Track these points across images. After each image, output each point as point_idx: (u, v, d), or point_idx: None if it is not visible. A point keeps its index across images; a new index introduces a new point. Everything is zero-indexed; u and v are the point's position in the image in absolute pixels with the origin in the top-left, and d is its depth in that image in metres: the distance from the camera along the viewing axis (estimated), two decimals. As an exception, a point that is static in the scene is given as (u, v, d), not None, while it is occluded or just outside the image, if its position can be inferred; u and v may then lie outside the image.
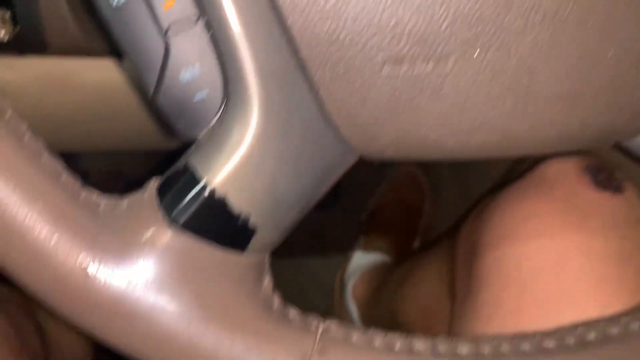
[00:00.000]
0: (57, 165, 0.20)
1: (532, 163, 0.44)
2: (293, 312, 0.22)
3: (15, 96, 0.37)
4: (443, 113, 0.21)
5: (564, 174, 0.39)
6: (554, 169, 0.40)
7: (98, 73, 0.39)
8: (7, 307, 0.42)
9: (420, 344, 0.22)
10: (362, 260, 0.86)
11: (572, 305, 0.34)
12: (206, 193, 0.20)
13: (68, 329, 0.53)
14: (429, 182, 0.91)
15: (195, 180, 0.20)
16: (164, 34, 0.19)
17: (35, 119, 0.28)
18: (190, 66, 0.20)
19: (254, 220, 0.20)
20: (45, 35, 0.30)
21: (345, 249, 0.88)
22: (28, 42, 0.30)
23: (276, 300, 0.22)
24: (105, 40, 0.31)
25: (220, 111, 0.20)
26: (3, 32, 0.29)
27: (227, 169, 0.20)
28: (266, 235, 0.21)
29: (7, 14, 0.28)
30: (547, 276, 0.35)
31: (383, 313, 0.71)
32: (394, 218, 0.89)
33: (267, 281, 0.22)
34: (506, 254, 0.37)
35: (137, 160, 0.62)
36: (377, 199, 0.91)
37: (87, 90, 0.41)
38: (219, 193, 0.20)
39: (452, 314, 0.44)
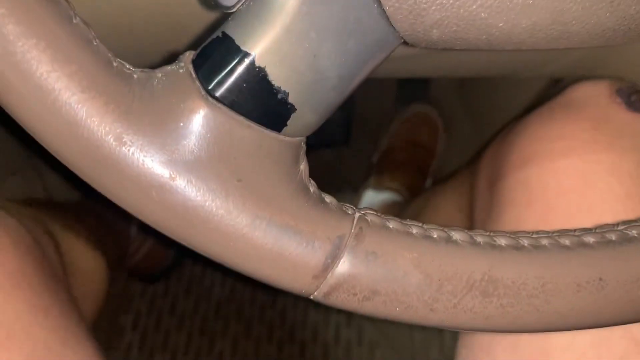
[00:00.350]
0: (89, 31, 0.19)
1: (558, 91, 0.42)
2: (330, 198, 0.21)
3: None
4: (495, -12, 0.19)
5: (595, 96, 0.38)
6: (584, 91, 0.39)
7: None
8: (25, 221, 0.42)
9: (458, 234, 0.21)
10: (373, 198, 0.85)
11: (600, 222, 0.33)
12: (245, 63, 0.19)
13: (83, 248, 0.53)
14: (442, 122, 0.89)
15: (234, 49, 0.19)
16: None
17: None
18: None
19: (292, 98, 0.20)
20: None
21: (356, 187, 0.88)
22: None
23: (312, 186, 0.21)
24: None
25: (261, -24, 0.19)
26: None
27: (267, 38, 0.19)
28: (304, 115, 0.20)
29: None
30: (573, 195, 0.35)
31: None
32: (405, 158, 0.88)
33: (304, 166, 0.21)
34: (532, 174, 0.37)
35: None
36: (389, 139, 0.90)
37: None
38: (258, 64, 0.19)
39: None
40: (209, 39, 0.19)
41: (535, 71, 0.54)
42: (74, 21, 0.18)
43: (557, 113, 0.38)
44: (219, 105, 0.19)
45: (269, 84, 0.19)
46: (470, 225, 0.46)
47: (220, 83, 0.19)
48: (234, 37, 0.19)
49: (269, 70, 0.19)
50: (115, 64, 0.19)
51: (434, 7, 0.20)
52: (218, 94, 0.19)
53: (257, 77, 0.19)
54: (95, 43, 0.18)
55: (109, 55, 0.19)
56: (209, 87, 0.19)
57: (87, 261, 0.53)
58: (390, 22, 0.20)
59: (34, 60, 0.17)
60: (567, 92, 0.40)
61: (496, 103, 0.79)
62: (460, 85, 0.88)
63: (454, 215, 0.52)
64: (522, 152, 0.38)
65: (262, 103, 0.19)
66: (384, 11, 0.20)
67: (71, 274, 0.48)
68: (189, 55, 0.20)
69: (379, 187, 0.86)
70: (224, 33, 0.19)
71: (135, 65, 0.20)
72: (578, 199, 0.35)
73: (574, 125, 0.37)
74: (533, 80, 0.66)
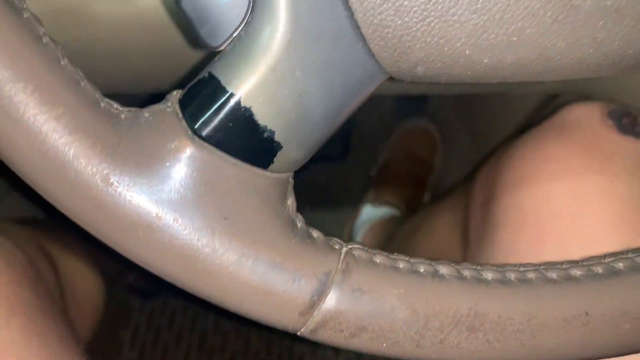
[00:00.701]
0: (77, 72, 0.19)
1: (552, 111, 0.43)
2: (317, 233, 0.21)
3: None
4: (479, 26, 0.20)
5: (587, 118, 0.39)
6: (576, 114, 0.39)
7: (109, 5, 0.38)
8: (21, 243, 0.42)
9: (444, 269, 0.21)
10: (371, 213, 0.85)
11: (592, 246, 0.33)
12: (231, 103, 0.19)
13: (81, 267, 0.53)
14: (440, 136, 0.89)
15: (220, 90, 0.19)
16: None
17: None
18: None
19: (279, 136, 0.20)
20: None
21: (354, 201, 0.88)
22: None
23: (299, 221, 0.21)
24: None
25: (247, 18, 0.19)
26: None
27: (253, 78, 0.19)
28: (291, 152, 0.20)
29: None
30: (566, 218, 0.35)
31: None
32: (404, 172, 0.88)
33: (291, 201, 0.21)
34: (525, 196, 0.37)
35: None
36: (387, 153, 0.90)
37: (97, 24, 0.40)
38: (244, 104, 0.19)
39: (465, 260, 0.44)
40: (196, 79, 0.20)
41: (532, 87, 0.54)
42: (62, 63, 0.18)
43: (550, 135, 0.39)
44: (205, 144, 0.19)
45: (255, 123, 0.19)
46: (464, 244, 0.46)
47: (206, 123, 0.19)
48: (219, 78, 0.19)
49: (254, 110, 0.19)
50: (102, 104, 0.19)
51: (418, 45, 0.20)
52: (204, 133, 0.19)
53: (243, 117, 0.19)
54: (82, 84, 0.19)
55: (97, 95, 0.19)
56: (195, 127, 0.19)
57: (84, 281, 0.53)
58: (376, 60, 0.20)
59: (21, 104, 0.17)
60: (560, 114, 0.40)
61: (493, 117, 0.79)
62: (458, 99, 0.89)
63: (448, 235, 0.52)
64: (515, 173, 0.38)
65: (248, 142, 0.19)
66: (369, 49, 0.20)
67: (68, 295, 0.48)
68: (176, 95, 0.20)
69: (377, 201, 0.86)
70: (210, 74, 0.19)
71: (122, 102, 0.20)
72: (570, 223, 0.35)
73: (566, 148, 0.37)
74: (529, 95, 0.66)
